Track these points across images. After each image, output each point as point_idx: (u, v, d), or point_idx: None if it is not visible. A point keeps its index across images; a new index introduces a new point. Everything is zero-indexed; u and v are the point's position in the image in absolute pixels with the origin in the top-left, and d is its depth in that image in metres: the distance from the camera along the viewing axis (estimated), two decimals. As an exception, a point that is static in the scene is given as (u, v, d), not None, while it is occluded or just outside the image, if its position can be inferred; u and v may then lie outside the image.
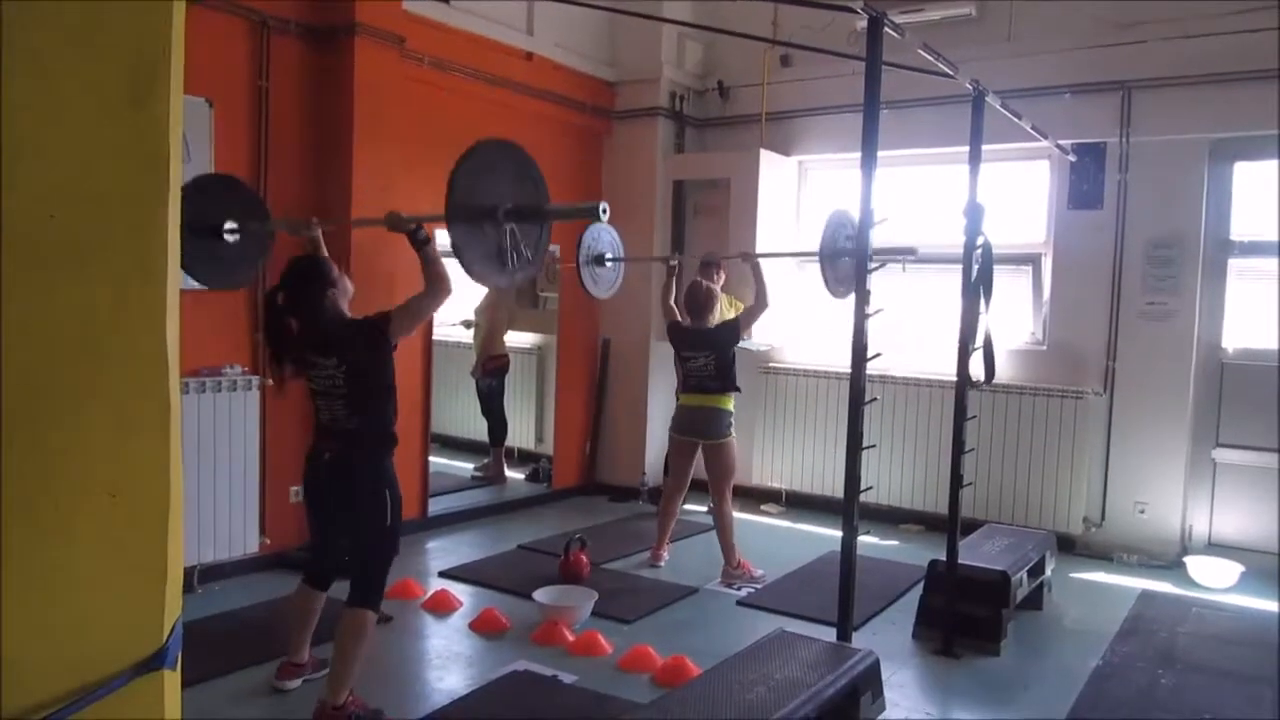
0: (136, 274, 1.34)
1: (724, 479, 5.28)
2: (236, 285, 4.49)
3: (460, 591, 4.84)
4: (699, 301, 5.35)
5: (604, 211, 3.05)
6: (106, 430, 1.33)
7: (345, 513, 3.50)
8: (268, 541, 5.00)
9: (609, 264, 5.49)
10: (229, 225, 3.73)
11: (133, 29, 1.31)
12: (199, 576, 4.70)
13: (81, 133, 1.30)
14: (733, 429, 5.32)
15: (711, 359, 5.22)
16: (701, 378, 5.27)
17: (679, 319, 5.45)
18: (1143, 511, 5.87)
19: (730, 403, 5.30)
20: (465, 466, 7.67)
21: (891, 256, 4.58)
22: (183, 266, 3.64)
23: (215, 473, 4.70)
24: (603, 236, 5.52)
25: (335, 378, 3.35)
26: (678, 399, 5.49)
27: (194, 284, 4.66)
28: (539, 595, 4.56)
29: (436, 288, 3.36)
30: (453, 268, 3.26)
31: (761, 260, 5.36)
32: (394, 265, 5.48)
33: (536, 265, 3.27)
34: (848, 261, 4.41)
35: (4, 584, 1.28)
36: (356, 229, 5.12)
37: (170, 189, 1.36)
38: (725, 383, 5.25)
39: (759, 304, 5.30)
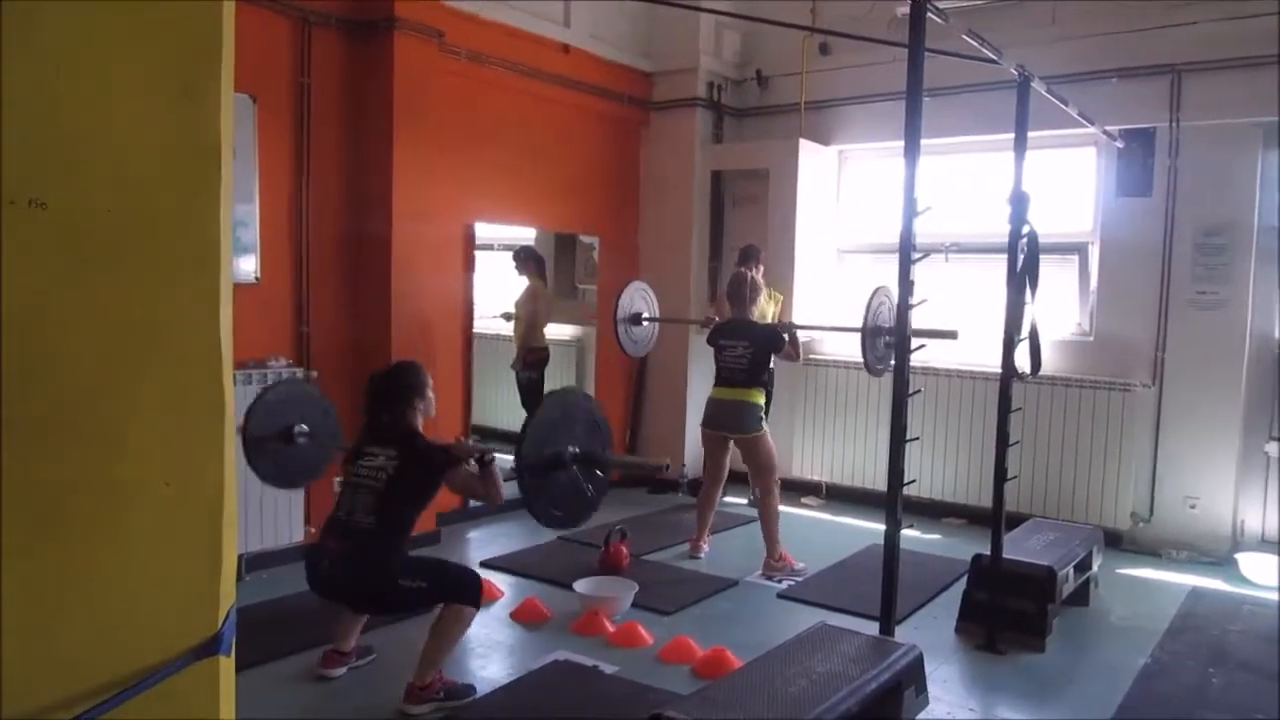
0: (190, 266, 1.36)
1: (765, 473, 5.25)
2: (298, 488, 4.67)
3: (501, 581, 4.88)
4: (742, 291, 5.32)
5: (667, 467, 3.62)
6: (162, 421, 1.36)
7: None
8: (312, 531, 5.06)
9: (645, 323, 5.56)
10: (300, 428, 3.96)
11: (185, 25, 1.33)
12: (246, 564, 4.78)
13: (137, 128, 1.32)
14: (765, 424, 5.25)
15: (749, 351, 5.19)
16: (734, 370, 5.23)
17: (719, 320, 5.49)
18: (1193, 506, 5.75)
19: (760, 397, 5.25)
20: (505, 458, 7.67)
21: (930, 336, 4.64)
22: (250, 462, 3.83)
23: (261, 463, 4.76)
24: (642, 297, 5.60)
25: (384, 470, 3.45)
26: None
27: (240, 277, 4.77)
28: (579, 586, 4.58)
29: (489, 493, 3.55)
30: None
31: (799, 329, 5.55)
32: (431, 280, 5.55)
33: (597, 504, 3.53)
34: (887, 340, 4.45)
35: (66, 572, 1.31)
36: (398, 246, 5.24)
37: (222, 182, 1.38)
38: (754, 377, 5.20)
39: (793, 360, 5.47)
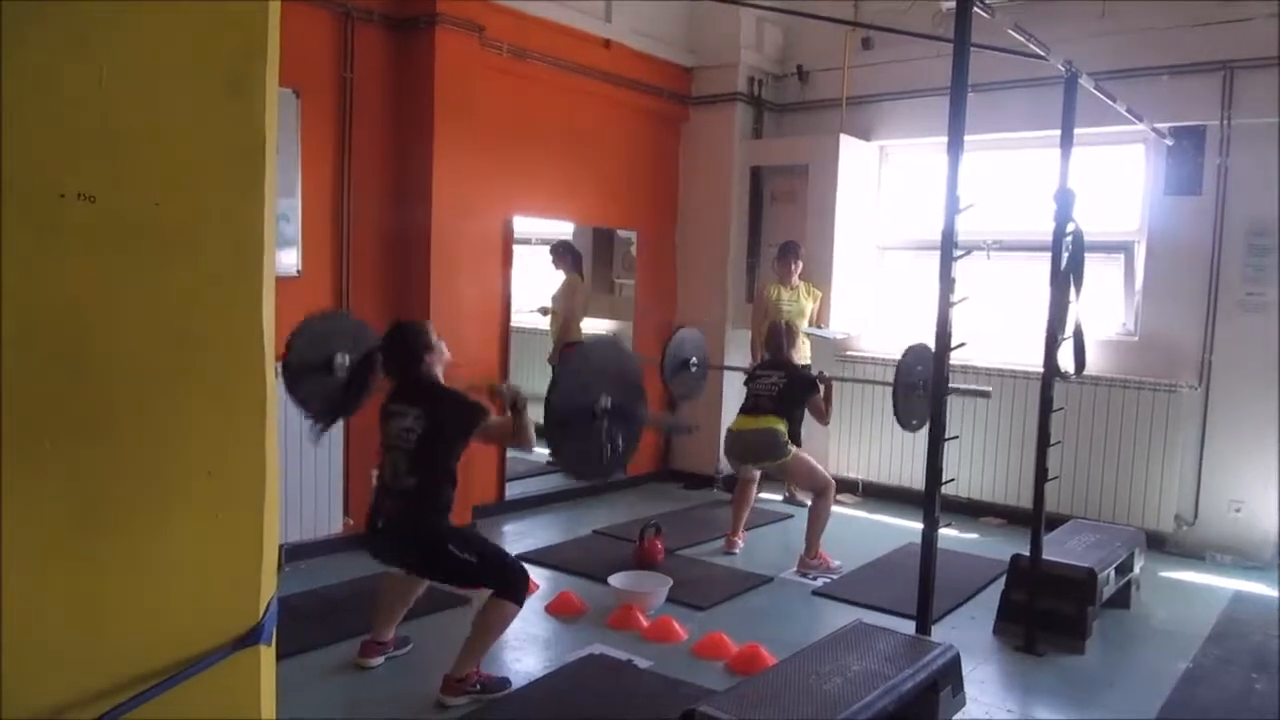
0: (235, 259, 1.38)
1: (811, 485, 5.22)
2: (340, 418, 4.56)
3: (536, 575, 4.89)
4: (778, 339, 5.33)
5: (695, 429, 3.26)
6: (205, 412, 1.38)
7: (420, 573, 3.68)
8: (350, 522, 5.12)
9: (694, 368, 5.54)
10: (341, 359, 3.91)
11: (232, 22, 1.34)
12: (285, 555, 4.84)
13: (184, 123, 1.34)
14: (790, 447, 5.12)
15: (783, 380, 5.16)
16: (762, 397, 5.18)
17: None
18: (1238, 510, 5.64)
19: (783, 425, 5.12)
20: (541, 452, 7.72)
21: (966, 392, 4.62)
22: (291, 394, 3.77)
23: (301, 454, 4.82)
24: (691, 343, 5.58)
25: (412, 430, 3.45)
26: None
27: (282, 271, 4.83)
28: (614, 580, 4.59)
29: (520, 440, 3.51)
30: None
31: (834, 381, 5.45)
32: (470, 274, 5.59)
33: (627, 458, 3.46)
34: (921, 395, 4.39)
35: (110, 562, 1.34)
36: (438, 240, 5.29)
37: (266, 176, 1.40)
38: (781, 407, 5.12)
39: (821, 420, 5.33)
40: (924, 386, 4.45)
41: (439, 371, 3.63)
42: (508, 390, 3.52)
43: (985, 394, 4.54)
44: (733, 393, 7.04)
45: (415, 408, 3.48)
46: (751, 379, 5.36)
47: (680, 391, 5.76)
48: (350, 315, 4.40)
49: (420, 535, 3.46)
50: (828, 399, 5.26)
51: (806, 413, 5.25)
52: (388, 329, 3.71)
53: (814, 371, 5.54)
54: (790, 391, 5.14)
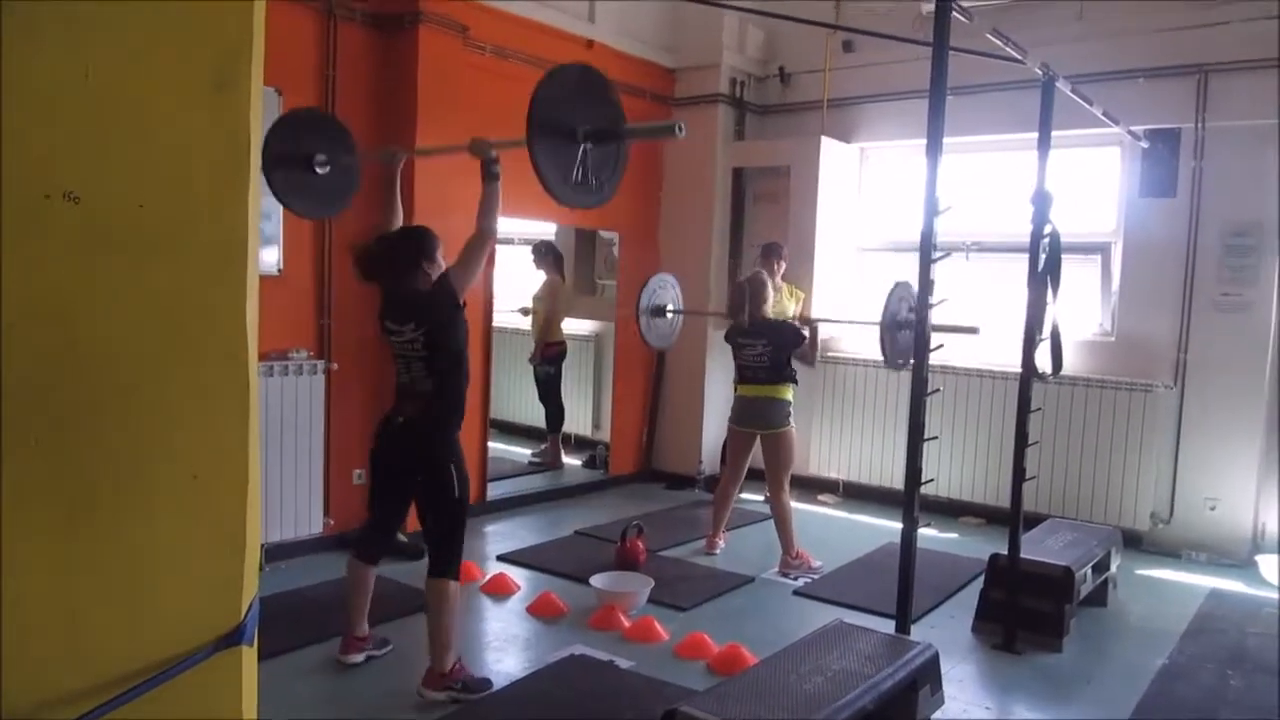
0: (219, 259, 1.38)
1: (782, 469, 5.25)
2: (330, 214, 4.56)
3: (518, 575, 4.90)
4: (751, 294, 5.31)
5: (680, 129, 3.13)
6: (189, 413, 1.38)
7: (411, 482, 3.62)
8: (331, 522, 5.10)
9: (669, 315, 5.51)
10: (319, 157, 3.85)
11: (218, 21, 1.34)
12: (267, 555, 4.82)
13: (169, 123, 1.34)
14: (791, 419, 5.28)
15: (767, 349, 5.19)
16: (755, 368, 5.24)
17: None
18: (1213, 508, 5.71)
19: (788, 393, 5.26)
20: (523, 452, 7.74)
21: (950, 331, 4.55)
22: (279, 199, 3.72)
23: (282, 455, 4.81)
24: (667, 289, 5.55)
25: (415, 342, 3.50)
26: (735, 390, 5.47)
27: (263, 269, 4.81)
28: (596, 580, 4.59)
29: (486, 229, 3.50)
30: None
31: (820, 323, 5.45)
32: (456, 219, 5.55)
33: (612, 189, 3.34)
34: (907, 335, 4.38)
35: (93, 563, 1.33)
36: (419, 176, 5.22)
37: (251, 175, 1.40)
38: (779, 374, 5.21)
39: (806, 362, 5.36)
40: (909, 326, 4.39)
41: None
42: (490, 146, 3.46)
43: (974, 330, 4.54)
44: (716, 395, 7.08)
45: (408, 323, 3.50)
46: (736, 345, 5.36)
47: (655, 341, 5.74)
48: (334, 119, 4.25)
49: (436, 435, 3.51)
50: (813, 344, 5.32)
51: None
52: (396, 231, 3.72)
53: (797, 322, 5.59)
54: (778, 355, 5.20)
